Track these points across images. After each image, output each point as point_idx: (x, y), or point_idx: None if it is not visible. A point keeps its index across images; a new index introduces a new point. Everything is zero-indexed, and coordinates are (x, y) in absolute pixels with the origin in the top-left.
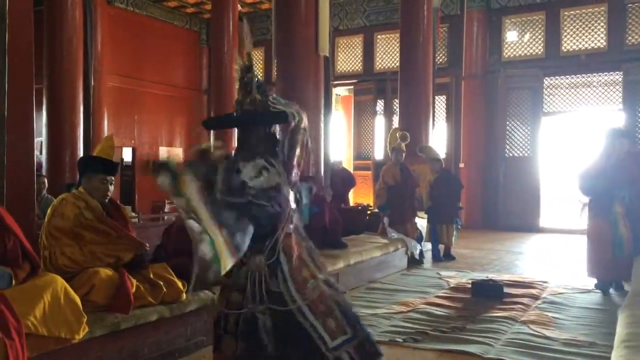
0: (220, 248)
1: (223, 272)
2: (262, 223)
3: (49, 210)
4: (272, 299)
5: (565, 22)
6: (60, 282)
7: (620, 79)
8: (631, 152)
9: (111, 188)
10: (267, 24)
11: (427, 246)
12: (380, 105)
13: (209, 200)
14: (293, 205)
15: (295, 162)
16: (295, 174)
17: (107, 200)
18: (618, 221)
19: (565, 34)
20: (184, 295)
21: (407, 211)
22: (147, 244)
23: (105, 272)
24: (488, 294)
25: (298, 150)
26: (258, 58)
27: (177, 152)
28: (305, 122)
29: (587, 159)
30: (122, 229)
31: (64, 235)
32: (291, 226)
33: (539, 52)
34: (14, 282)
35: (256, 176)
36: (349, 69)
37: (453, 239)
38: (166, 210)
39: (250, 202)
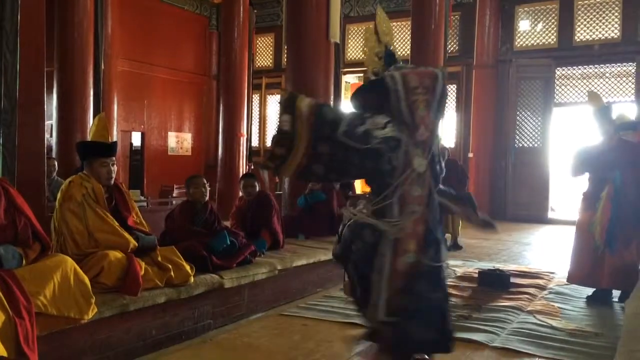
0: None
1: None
2: (371, 176)
3: (58, 195)
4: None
5: (579, 12)
6: (70, 262)
7: (633, 71)
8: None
9: (114, 169)
10: (278, 10)
11: None
12: None
13: (316, 127)
14: (419, 167)
15: (418, 121)
16: (420, 132)
17: (112, 183)
18: (600, 206)
19: (578, 23)
20: (192, 279)
21: None
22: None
23: (115, 254)
24: (494, 284)
25: (418, 110)
26: (268, 44)
27: (185, 137)
28: (413, 83)
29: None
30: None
31: (75, 219)
32: (415, 191)
33: (552, 42)
34: (24, 262)
35: (381, 127)
36: (359, 56)
37: (459, 228)
38: (174, 194)
39: (369, 149)
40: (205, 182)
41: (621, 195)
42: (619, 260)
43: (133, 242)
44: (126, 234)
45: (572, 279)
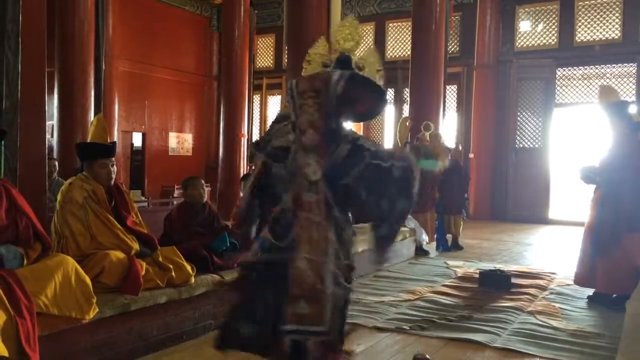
0: None
1: None
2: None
3: (59, 197)
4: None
5: (580, 13)
6: (71, 262)
7: (634, 71)
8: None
9: (114, 169)
10: (279, 11)
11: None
12: (390, 94)
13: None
14: (312, 175)
15: (305, 126)
16: (309, 137)
17: (112, 183)
18: (591, 209)
19: (579, 24)
20: (193, 279)
21: (427, 201)
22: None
23: (116, 254)
24: (495, 284)
25: (305, 115)
26: (269, 45)
27: (186, 138)
28: (302, 87)
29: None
30: (121, 234)
31: (77, 221)
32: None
33: (552, 43)
34: (25, 261)
35: (282, 136)
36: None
37: (460, 229)
38: (175, 195)
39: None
40: (204, 183)
41: (609, 198)
42: (610, 264)
43: (135, 247)
44: (128, 239)
45: (575, 280)
